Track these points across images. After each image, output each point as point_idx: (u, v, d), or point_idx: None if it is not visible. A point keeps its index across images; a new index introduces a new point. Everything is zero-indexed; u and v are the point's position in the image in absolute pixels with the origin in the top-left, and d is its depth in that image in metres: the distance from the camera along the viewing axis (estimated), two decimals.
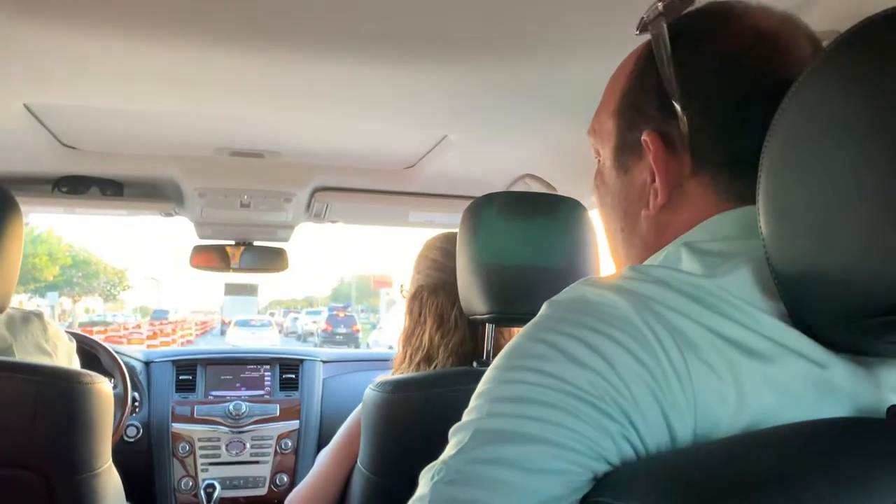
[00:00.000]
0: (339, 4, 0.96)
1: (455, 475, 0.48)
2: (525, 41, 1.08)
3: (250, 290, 24.21)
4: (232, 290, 21.25)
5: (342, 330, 28.84)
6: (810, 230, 0.45)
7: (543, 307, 0.55)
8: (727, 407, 0.47)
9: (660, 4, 0.62)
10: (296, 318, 39.79)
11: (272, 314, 53.26)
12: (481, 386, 0.53)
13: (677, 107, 0.60)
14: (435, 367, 1.33)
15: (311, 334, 32.34)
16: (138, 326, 28.50)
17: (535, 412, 0.47)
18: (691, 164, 0.61)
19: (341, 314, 30.91)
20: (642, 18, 0.64)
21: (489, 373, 0.53)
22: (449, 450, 0.50)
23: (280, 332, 36.45)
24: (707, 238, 0.58)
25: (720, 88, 0.59)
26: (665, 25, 0.61)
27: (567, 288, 0.55)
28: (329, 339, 28.06)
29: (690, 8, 0.62)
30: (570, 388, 0.48)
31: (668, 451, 0.47)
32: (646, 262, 0.60)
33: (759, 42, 0.60)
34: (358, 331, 29.43)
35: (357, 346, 24.88)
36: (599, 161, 0.72)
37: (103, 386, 1.21)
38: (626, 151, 0.67)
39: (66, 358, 1.40)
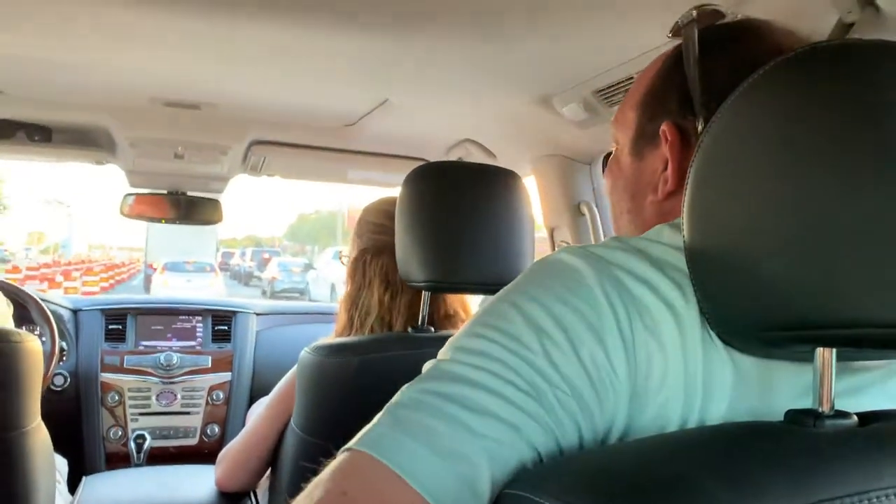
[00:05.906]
0: None
1: (408, 401, 0.53)
2: (470, 15, 1.08)
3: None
4: None
5: None
6: (727, 242, 0.49)
7: (529, 267, 0.61)
8: (657, 372, 0.52)
9: (694, 11, 0.68)
10: (301, 265, 22.62)
11: (231, 254, 38.09)
12: (452, 339, 0.58)
13: (696, 104, 0.65)
14: (392, 329, 1.34)
15: None
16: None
17: (493, 367, 0.53)
18: None
19: None
20: (677, 23, 0.70)
21: (463, 327, 0.58)
22: (414, 382, 0.55)
23: (248, 286, 26.31)
24: None
25: None
26: (696, 30, 0.67)
27: (552, 252, 0.61)
28: None
29: (722, 20, 0.70)
30: (528, 354, 0.53)
31: (584, 451, 0.51)
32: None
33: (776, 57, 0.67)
34: None
35: None
36: (617, 148, 0.78)
37: (33, 344, 1.19)
38: (643, 140, 0.72)
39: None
